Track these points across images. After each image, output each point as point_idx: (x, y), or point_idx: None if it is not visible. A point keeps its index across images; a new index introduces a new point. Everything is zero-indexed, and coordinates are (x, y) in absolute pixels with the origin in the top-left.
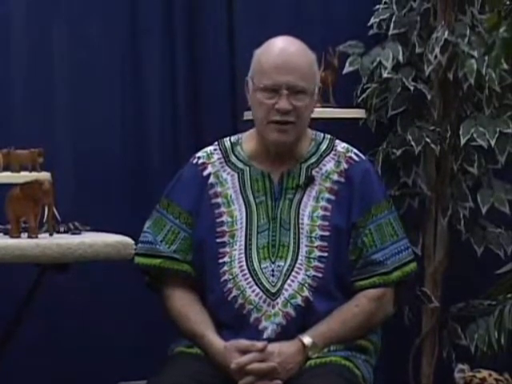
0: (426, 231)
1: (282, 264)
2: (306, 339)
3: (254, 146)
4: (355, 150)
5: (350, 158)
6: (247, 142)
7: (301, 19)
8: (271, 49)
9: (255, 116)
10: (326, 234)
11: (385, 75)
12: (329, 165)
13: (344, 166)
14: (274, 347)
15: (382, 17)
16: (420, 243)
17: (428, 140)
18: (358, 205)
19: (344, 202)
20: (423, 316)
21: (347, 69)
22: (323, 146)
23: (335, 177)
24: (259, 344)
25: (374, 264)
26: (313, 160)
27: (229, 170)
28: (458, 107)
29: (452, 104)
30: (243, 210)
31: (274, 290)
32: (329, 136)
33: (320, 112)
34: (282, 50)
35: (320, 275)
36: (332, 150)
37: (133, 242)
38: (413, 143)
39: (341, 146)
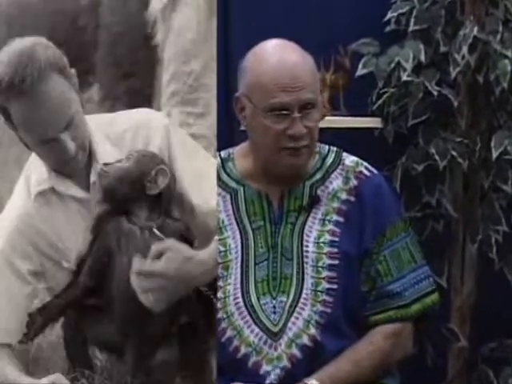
0: (452, 259)
1: (285, 299)
2: (313, 383)
3: (248, 163)
4: (366, 164)
5: (360, 172)
6: (240, 157)
7: (307, 14)
8: (267, 59)
9: (258, 141)
10: (335, 262)
11: (404, 78)
12: (336, 182)
13: (353, 182)
14: None
15: (400, 11)
16: (445, 273)
17: (454, 153)
18: (371, 227)
19: (354, 225)
20: (449, 357)
21: (360, 71)
22: (329, 160)
23: (344, 195)
24: None
25: (390, 296)
26: (317, 177)
27: (220, 190)
28: (490, 115)
29: (482, 112)
30: (238, 237)
31: (275, 330)
32: (335, 148)
33: (329, 121)
34: (281, 61)
35: (328, 310)
36: (339, 164)
37: None
38: (437, 157)
39: (349, 159)
